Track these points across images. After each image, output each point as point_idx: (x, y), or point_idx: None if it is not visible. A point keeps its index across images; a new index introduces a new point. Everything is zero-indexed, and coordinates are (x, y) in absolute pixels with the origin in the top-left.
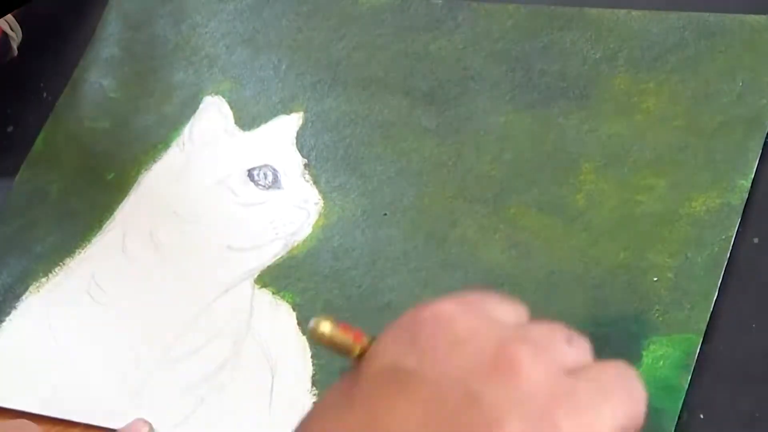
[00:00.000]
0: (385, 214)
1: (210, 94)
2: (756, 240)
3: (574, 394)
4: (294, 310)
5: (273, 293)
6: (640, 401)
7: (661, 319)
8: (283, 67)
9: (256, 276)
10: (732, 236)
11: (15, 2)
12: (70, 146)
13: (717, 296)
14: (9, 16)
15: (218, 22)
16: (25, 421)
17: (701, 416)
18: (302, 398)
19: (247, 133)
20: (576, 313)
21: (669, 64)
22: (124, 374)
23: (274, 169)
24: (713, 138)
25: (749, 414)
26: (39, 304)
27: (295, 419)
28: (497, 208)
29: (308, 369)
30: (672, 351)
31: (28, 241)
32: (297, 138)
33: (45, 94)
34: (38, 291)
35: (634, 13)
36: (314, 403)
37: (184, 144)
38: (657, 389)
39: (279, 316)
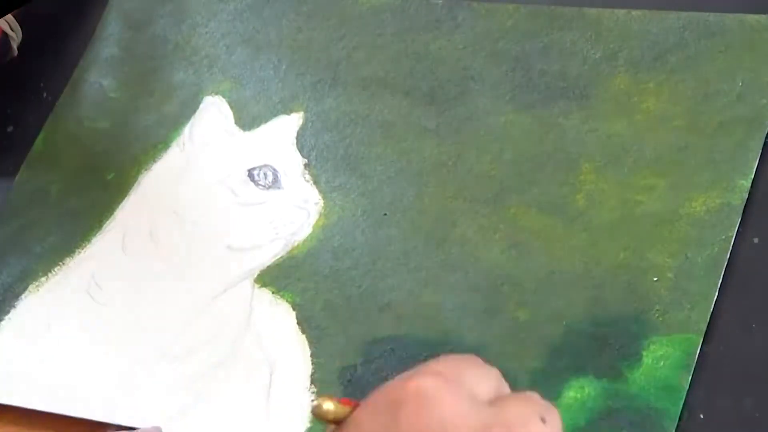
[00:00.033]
0: (385, 214)
1: (210, 94)
2: (756, 240)
3: None
4: (294, 309)
5: (273, 293)
6: None
7: (661, 319)
8: (284, 67)
9: (255, 276)
10: (732, 236)
11: (15, 2)
12: (70, 146)
13: (717, 296)
14: (9, 16)
15: (218, 22)
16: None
17: (701, 416)
18: (301, 396)
19: (247, 133)
20: (576, 313)
21: (669, 64)
22: (124, 372)
23: (274, 169)
24: (713, 138)
25: (749, 414)
26: (38, 303)
27: (294, 417)
28: (497, 208)
29: (308, 367)
30: (672, 351)
31: (27, 241)
32: (297, 138)
33: (45, 94)
34: (38, 290)
35: (634, 13)
36: None
37: (184, 144)
38: (657, 389)
39: (278, 316)
